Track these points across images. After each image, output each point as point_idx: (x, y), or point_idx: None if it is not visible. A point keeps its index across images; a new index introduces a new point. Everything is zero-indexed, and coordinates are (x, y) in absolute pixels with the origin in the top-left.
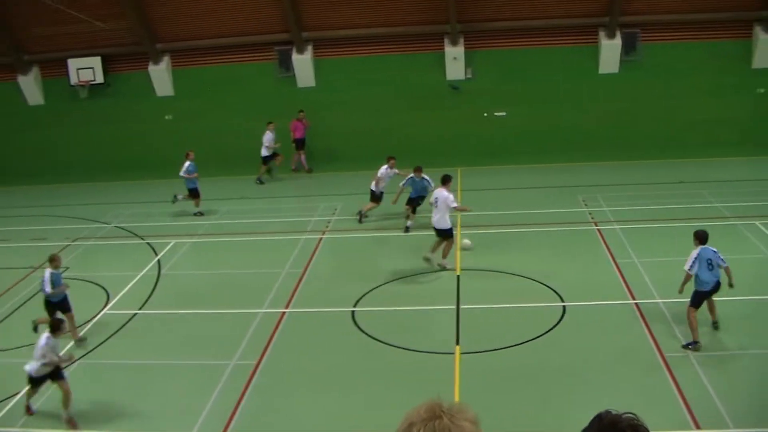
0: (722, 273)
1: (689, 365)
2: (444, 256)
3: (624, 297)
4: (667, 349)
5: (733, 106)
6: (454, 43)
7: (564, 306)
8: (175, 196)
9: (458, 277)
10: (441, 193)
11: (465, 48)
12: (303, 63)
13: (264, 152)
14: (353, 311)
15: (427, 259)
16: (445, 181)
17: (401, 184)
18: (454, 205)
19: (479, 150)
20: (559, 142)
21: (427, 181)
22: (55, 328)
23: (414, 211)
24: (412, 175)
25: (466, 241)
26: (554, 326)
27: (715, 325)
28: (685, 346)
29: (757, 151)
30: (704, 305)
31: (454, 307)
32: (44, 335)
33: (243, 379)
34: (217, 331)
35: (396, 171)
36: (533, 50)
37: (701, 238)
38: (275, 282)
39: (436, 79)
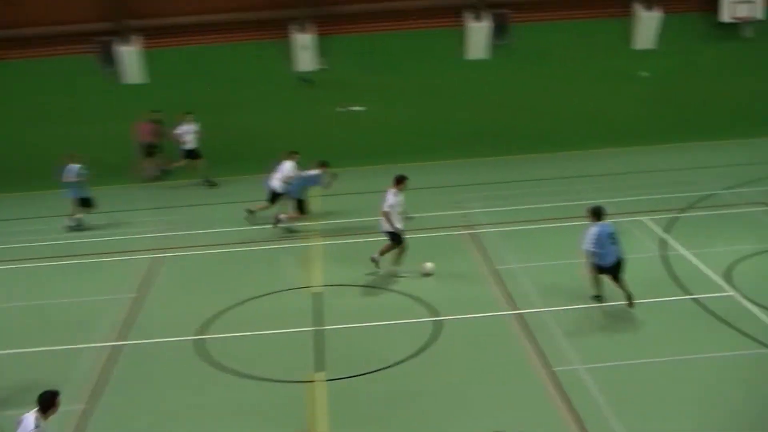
0: None
1: (578, 378)
2: (381, 253)
3: (505, 307)
4: (555, 362)
5: (614, 91)
6: (303, 29)
7: (440, 320)
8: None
9: (319, 294)
10: (388, 194)
11: (316, 34)
12: (129, 56)
13: (187, 146)
14: (203, 339)
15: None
16: (397, 180)
17: (311, 182)
18: (385, 207)
19: (335, 150)
20: (426, 138)
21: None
22: (49, 404)
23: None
24: (318, 171)
25: (429, 265)
26: (430, 343)
27: (630, 302)
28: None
29: (642, 141)
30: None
31: (316, 328)
32: (30, 416)
33: (70, 429)
34: (36, 375)
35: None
36: (394, 35)
37: (597, 213)
38: (111, 310)
39: (285, 70)
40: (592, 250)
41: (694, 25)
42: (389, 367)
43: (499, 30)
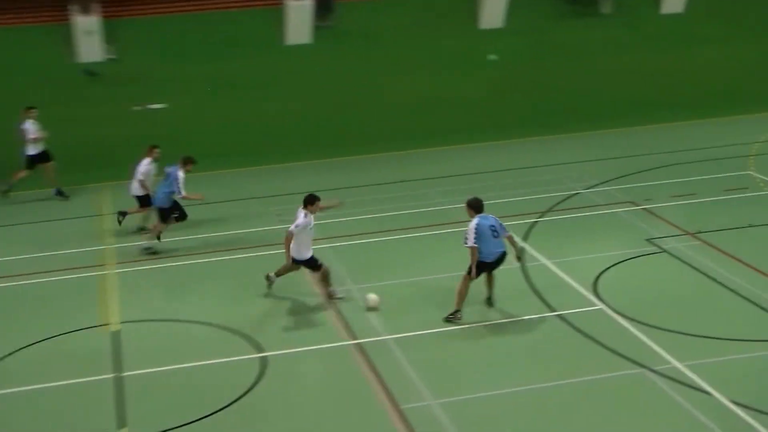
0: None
1: (431, 416)
2: (327, 286)
3: (342, 337)
4: (403, 398)
5: (460, 79)
6: (86, 10)
7: (265, 357)
8: None
9: (119, 332)
10: (298, 215)
11: (102, 17)
12: None
13: (30, 150)
14: None
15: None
16: (306, 201)
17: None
18: (291, 228)
19: (132, 158)
20: (242, 140)
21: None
22: None
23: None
24: (182, 171)
25: (373, 296)
26: (254, 384)
27: (490, 302)
28: (447, 318)
29: (493, 135)
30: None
31: (116, 375)
32: None
33: None
34: None
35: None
36: (197, 18)
37: (475, 206)
38: None
39: (65, 61)
40: (472, 245)
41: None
42: (207, 416)
43: (323, 9)
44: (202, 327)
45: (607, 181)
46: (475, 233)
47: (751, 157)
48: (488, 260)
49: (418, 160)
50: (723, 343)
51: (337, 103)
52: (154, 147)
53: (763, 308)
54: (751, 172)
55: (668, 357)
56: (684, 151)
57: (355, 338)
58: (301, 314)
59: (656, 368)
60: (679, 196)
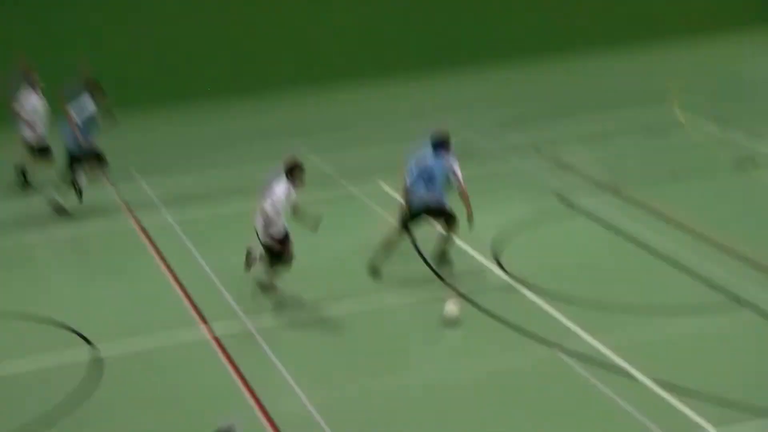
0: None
1: (305, 420)
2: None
3: (197, 328)
4: (271, 402)
5: (322, 7)
6: None
7: (100, 359)
8: None
9: None
10: (278, 188)
11: None
12: None
13: None
14: None
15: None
16: (290, 170)
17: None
18: (270, 206)
19: None
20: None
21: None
22: None
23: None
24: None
25: (452, 307)
26: (86, 396)
27: (443, 260)
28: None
29: (361, 73)
30: None
31: None
32: None
33: None
34: None
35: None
36: None
37: (434, 140)
38: None
39: None
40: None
41: None
42: None
43: None
44: (11, 320)
45: (503, 126)
46: (411, 169)
47: (674, 92)
48: (412, 207)
49: (275, 109)
50: (645, 315)
51: (172, 42)
52: (30, 71)
53: (689, 270)
54: (675, 110)
55: (583, 334)
56: (596, 89)
57: (212, 332)
58: (144, 300)
59: (569, 347)
60: (591, 142)
